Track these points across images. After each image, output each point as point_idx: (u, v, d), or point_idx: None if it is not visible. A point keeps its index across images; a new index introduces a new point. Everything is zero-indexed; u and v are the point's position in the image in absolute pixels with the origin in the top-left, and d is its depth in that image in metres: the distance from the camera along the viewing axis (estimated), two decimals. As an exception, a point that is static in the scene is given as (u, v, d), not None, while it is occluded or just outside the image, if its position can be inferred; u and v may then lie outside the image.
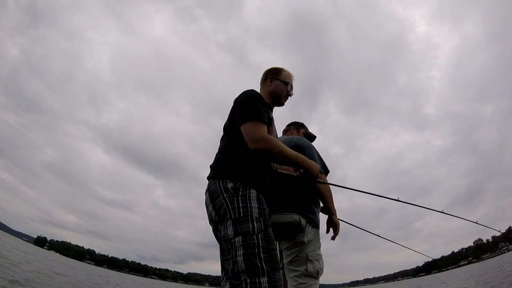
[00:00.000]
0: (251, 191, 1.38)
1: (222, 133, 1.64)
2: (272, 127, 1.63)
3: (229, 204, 1.34)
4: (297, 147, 2.00)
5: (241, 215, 1.31)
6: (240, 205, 1.33)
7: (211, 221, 1.44)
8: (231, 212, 1.32)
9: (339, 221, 1.99)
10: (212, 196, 1.41)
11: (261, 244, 1.26)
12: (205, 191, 1.50)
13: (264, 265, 1.22)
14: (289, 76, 1.79)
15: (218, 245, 1.43)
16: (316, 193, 1.94)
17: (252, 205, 1.35)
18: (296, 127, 2.40)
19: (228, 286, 1.26)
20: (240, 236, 1.27)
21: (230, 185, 1.38)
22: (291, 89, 1.77)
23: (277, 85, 1.74)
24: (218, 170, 1.47)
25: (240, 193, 1.36)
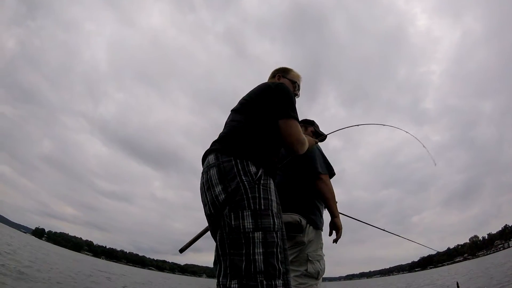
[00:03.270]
0: (271, 181, 1.23)
1: (237, 107, 1.46)
2: None
3: (248, 191, 1.15)
4: None
5: (262, 207, 1.14)
6: (262, 195, 1.16)
7: (214, 204, 1.20)
8: (251, 201, 1.13)
9: (341, 215, 1.97)
10: (225, 176, 1.19)
11: (279, 243, 1.12)
12: (206, 167, 1.27)
13: (280, 266, 1.09)
14: (297, 76, 1.79)
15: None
16: (318, 195, 1.92)
17: (273, 198, 1.19)
18: (304, 124, 2.28)
19: (237, 285, 1.05)
20: (260, 232, 1.10)
21: (252, 169, 1.20)
22: (298, 89, 1.77)
23: (284, 83, 1.68)
24: (237, 147, 1.26)
25: (261, 182, 1.19)
